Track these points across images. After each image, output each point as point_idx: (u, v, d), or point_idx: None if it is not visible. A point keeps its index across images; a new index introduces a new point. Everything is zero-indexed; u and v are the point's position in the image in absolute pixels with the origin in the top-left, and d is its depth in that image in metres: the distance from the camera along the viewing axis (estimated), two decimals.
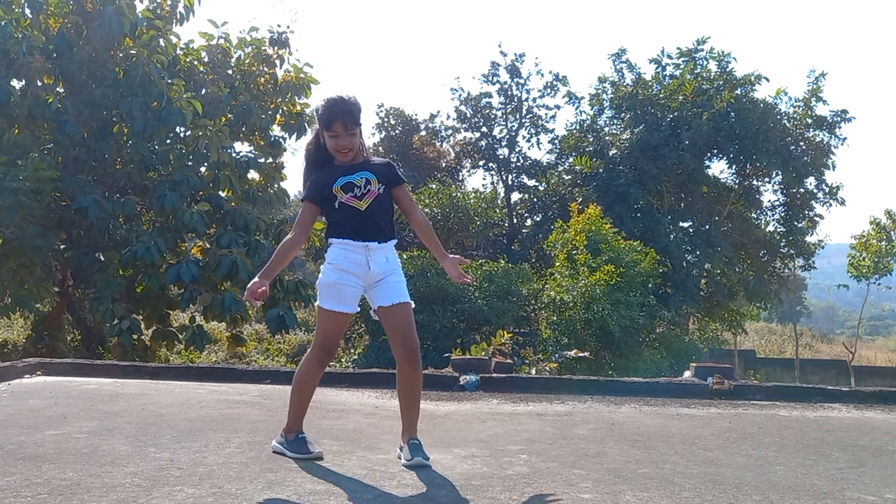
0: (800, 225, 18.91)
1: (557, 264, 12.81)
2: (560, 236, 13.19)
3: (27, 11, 8.97)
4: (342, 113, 2.97)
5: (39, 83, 8.70)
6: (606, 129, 19.51)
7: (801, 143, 17.81)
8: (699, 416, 4.43)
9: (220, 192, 10.05)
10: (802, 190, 18.45)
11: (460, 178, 24.27)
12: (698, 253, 17.46)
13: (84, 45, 8.94)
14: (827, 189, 18.39)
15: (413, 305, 3.08)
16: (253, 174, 10.62)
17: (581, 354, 10.02)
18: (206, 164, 9.87)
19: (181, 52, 10.46)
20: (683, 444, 3.59)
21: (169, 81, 9.18)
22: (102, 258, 9.01)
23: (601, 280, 11.45)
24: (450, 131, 23.93)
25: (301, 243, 3.16)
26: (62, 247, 9.21)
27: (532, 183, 22.44)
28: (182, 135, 10.22)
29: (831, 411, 4.81)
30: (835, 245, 22.25)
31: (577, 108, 20.07)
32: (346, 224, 3.00)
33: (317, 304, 3.06)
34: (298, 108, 11.16)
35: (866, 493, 2.81)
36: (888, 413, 4.81)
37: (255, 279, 2.93)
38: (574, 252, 12.48)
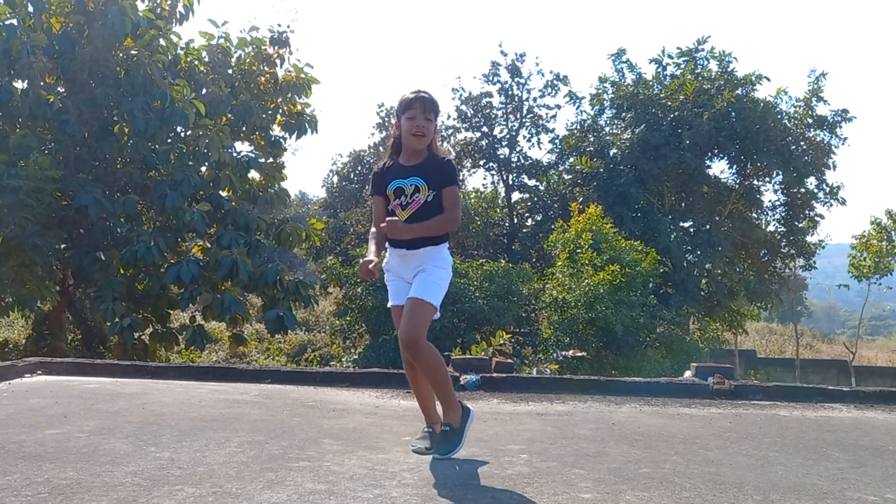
0: (800, 225, 18.91)
1: (559, 263, 12.81)
2: (560, 236, 13.19)
3: (29, 8, 8.99)
4: (423, 99, 3.09)
5: (41, 83, 8.71)
6: (607, 128, 19.51)
7: (802, 143, 17.81)
8: (700, 416, 4.43)
9: (221, 192, 10.05)
10: (803, 190, 18.45)
11: (461, 177, 24.29)
12: (699, 253, 17.46)
13: (86, 45, 8.95)
14: (827, 189, 18.39)
15: (429, 302, 3.00)
16: (253, 174, 10.62)
17: (580, 354, 10.02)
18: (206, 163, 9.87)
19: (181, 52, 10.46)
20: (684, 444, 3.59)
21: (171, 81, 9.18)
22: (103, 257, 9.01)
23: (604, 279, 11.45)
24: (450, 131, 23.92)
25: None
26: (63, 246, 9.21)
27: (532, 183, 22.45)
28: (183, 134, 10.22)
29: (832, 411, 4.81)
30: (835, 245, 22.26)
31: (577, 108, 20.11)
32: None
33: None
34: (299, 107, 11.16)
35: (867, 493, 2.81)
36: (889, 413, 4.81)
37: (366, 258, 3.06)
38: (577, 251, 12.48)
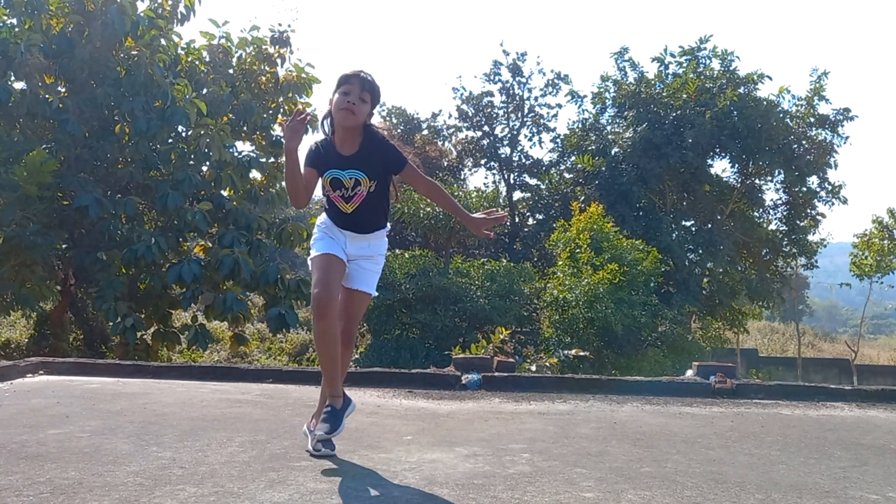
0: (802, 224, 18.92)
1: (560, 263, 12.81)
2: (562, 235, 13.19)
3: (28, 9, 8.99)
4: (363, 78, 2.94)
5: (39, 82, 8.71)
6: (609, 127, 19.51)
7: (804, 142, 17.80)
8: (701, 415, 4.43)
9: (222, 192, 10.07)
10: (805, 189, 18.44)
11: (462, 176, 24.30)
12: (700, 252, 17.46)
13: (85, 45, 8.95)
14: (829, 188, 18.40)
15: (373, 295, 3.17)
16: (255, 173, 10.64)
17: (582, 353, 10.02)
18: (207, 163, 9.89)
19: (182, 52, 10.47)
20: (686, 443, 3.58)
21: (172, 81, 9.19)
22: (104, 257, 9.02)
23: (604, 279, 11.45)
24: (452, 130, 23.93)
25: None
26: (64, 246, 9.22)
27: (534, 182, 22.44)
28: (184, 134, 10.23)
29: (834, 410, 4.80)
30: (837, 244, 22.25)
31: (579, 107, 20.15)
32: (333, 214, 3.09)
33: (309, 259, 3.08)
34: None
35: (869, 492, 2.80)
36: (891, 412, 4.80)
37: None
38: (577, 251, 12.48)
